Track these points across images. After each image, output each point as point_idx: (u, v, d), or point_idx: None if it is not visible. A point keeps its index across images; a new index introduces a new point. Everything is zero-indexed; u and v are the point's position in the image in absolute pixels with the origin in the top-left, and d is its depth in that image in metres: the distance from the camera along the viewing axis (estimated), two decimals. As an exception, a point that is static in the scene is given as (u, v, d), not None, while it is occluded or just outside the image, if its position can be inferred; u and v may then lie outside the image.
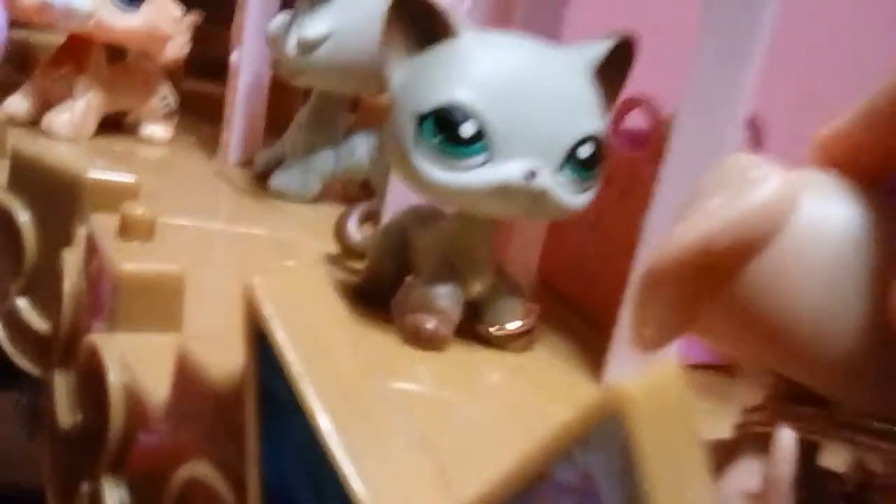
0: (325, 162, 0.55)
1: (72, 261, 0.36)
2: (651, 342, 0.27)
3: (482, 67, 0.35)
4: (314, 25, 0.50)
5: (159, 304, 0.31)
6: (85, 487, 0.32)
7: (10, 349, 0.41)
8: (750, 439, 0.27)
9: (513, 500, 0.18)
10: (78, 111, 0.57)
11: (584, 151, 0.36)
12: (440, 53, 0.36)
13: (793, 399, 0.26)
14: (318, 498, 0.21)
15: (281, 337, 0.21)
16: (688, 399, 0.17)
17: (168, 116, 0.63)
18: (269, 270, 0.22)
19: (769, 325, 0.24)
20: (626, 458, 0.16)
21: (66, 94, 0.57)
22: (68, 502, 0.33)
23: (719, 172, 0.26)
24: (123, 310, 0.31)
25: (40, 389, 0.38)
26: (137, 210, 0.33)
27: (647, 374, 0.17)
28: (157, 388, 0.28)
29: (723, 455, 0.26)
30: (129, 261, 0.31)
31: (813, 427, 0.25)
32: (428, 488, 0.22)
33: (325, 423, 0.20)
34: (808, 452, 0.25)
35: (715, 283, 0.24)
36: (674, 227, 0.26)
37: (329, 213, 0.52)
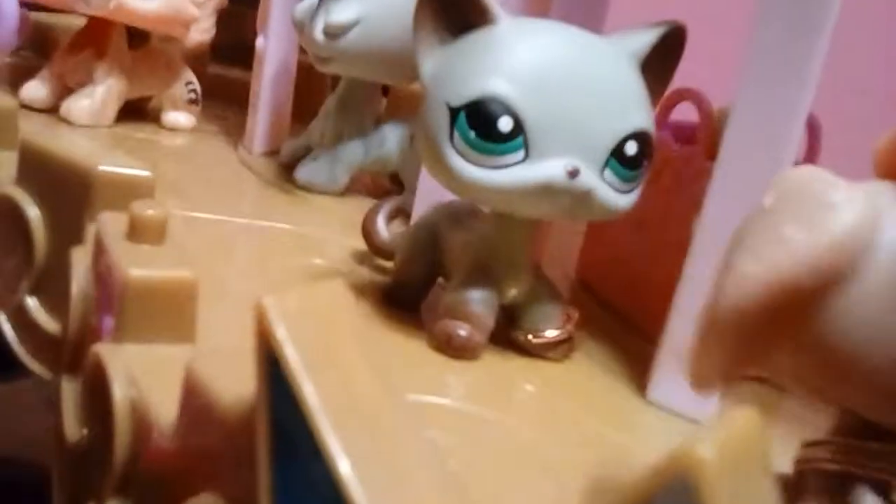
0: (354, 153, 0.52)
1: (81, 260, 0.34)
2: (711, 385, 0.25)
3: (521, 57, 0.32)
4: (342, 10, 0.47)
5: (170, 312, 0.29)
6: (91, 508, 0.29)
7: (19, 351, 0.39)
8: (813, 476, 0.24)
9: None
10: (98, 97, 0.55)
11: (631, 148, 0.33)
12: (475, 42, 0.33)
13: (860, 434, 0.24)
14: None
15: (295, 365, 0.18)
16: (768, 459, 0.14)
17: (192, 103, 0.61)
18: (284, 291, 0.19)
19: (849, 360, 0.22)
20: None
21: (85, 80, 0.55)
22: (75, 522, 0.31)
23: (784, 192, 0.23)
24: (131, 319, 0.28)
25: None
26: (148, 210, 0.30)
27: (723, 427, 0.14)
28: (167, 405, 0.26)
29: (785, 493, 0.24)
30: (137, 266, 0.29)
31: (882, 465, 0.23)
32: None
33: (344, 468, 0.17)
34: (879, 494, 0.23)
35: (792, 320, 0.22)
36: (736, 258, 0.23)
37: (357, 206, 0.49)
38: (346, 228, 0.46)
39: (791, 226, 0.22)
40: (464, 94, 0.32)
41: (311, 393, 0.18)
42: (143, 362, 0.28)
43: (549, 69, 0.32)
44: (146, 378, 0.27)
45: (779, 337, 0.22)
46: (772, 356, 0.22)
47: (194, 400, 0.23)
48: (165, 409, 0.26)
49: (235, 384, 0.22)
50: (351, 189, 0.54)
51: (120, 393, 0.27)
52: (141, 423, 0.27)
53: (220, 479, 0.23)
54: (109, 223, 0.31)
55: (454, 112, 0.32)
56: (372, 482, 0.18)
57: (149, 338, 0.29)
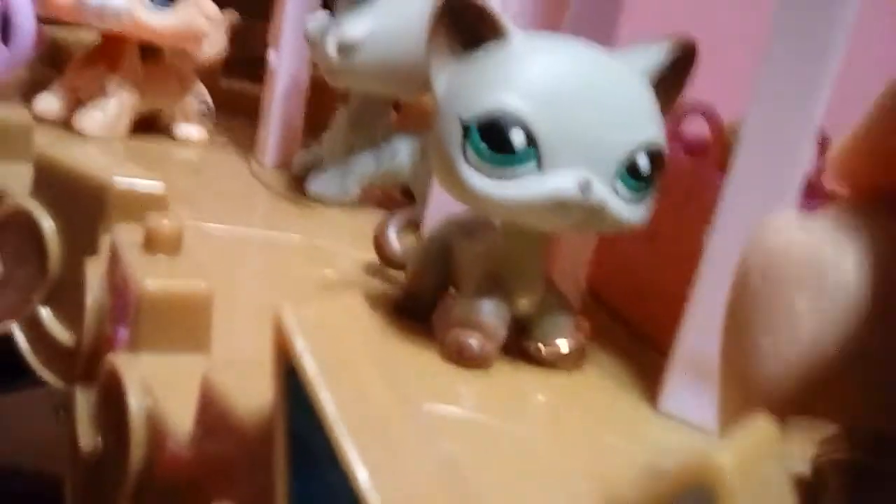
0: (365, 165, 0.53)
1: (95, 271, 0.34)
2: None
3: (533, 72, 0.33)
4: (354, 26, 0.47)
5: (185, 323, 0.29)
6: (105, 518, 0.30)
7: (32, 360, 0.39)
8: (831, 469, 0.24)
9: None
10: (110, 110, 0.55)
11: (643, 162, 0.33)
12: (488, 57, 0.33)
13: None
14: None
15: (313, 375, 0.19)
16: (785, 468, 0.15)
17: (204, 117, 0.62)
18: (301, 301, 0.20)
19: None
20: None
21: (98, 93, 0.56)
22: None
23: (777, 260, 0.23)
24: (146, 329, 0.29)
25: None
26: (163, 222, 0.30)
27: (740, 437, 0.14)
28: (182, 414, 0.26)
29: (805, 494, 0.24)
30: (153, 277, 0.29)
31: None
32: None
33: (362, 477, 0.18)
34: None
35: (832, 375, 0.22)
36: (751, 336, 0.23)
37: (368, 218, 0.50)
38: (358, 240, 0.46)
39: (801, 302, 0.22)
40: (477, 108, 0.32)
41: (328, 402, 0.19)
42: (159, 372, 0.28)
43: (561, 84, 0.32)
44: (161, 388, 0.27)
45: (818, 391, 0.22)
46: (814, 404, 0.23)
47: (211, 410, 0.24)
48: (180, 418, 0.26)
49: (251, 395, 0.22)
50: (362, 201, 0.54)
51: (135, 402, 0.27)
52: (156, 432, 0.27)
53: (236, 489, 0.23)
54: (125, 234, 0.31)
55: (467, 126, 0.32)
56: (389, 492, 0.18)
57: (164, 348, 0.29)
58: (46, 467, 0.69)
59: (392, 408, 0.21)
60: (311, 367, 0.19)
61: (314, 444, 0.19)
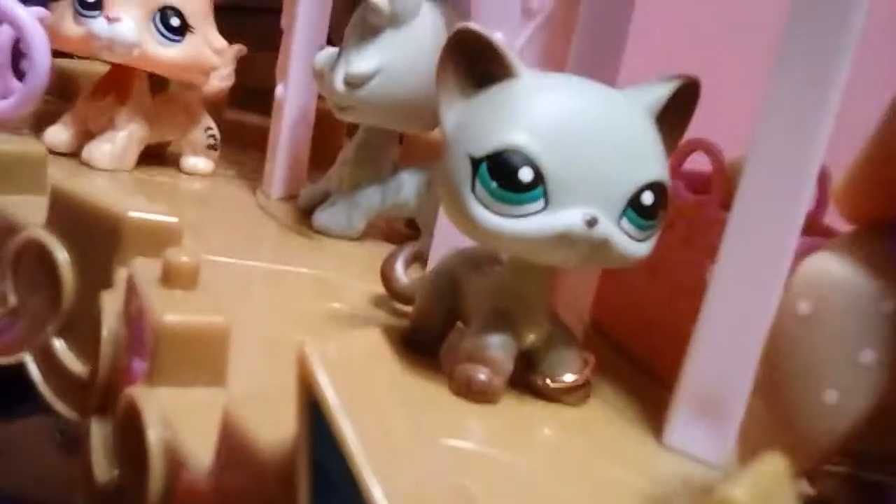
0: (371, 199, 0.53)
1: (111, 304, 0.35)
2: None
3: (541, 110, 0.33)
4: (362, 60, 0.48)
5: (203, 357, 0.30)
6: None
7: (45, 391, 0.40)
8: (838, 484, 0.25)
9: None
10: (119, 142, 0.56)
11: (647, 198, 0.34)
12: (497, 95, 0.34)
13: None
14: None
15: (336, 408, 0.19)
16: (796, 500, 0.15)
17: (211, 148, 0.62)
18: (312, 336, 0.20)
19: None
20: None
21: (107, 125, 0.57)
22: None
23: (825, 301, 0.23)
24: (164, 363, 0.29)
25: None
26: (181, 257, 0.31)
27: (753, 474, 0.15)
28: (200, 447, 0.26)
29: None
30: (172, 311, 0.29)
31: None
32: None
33: (385, 508, 0.18)
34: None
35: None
36: (809, 386, 0.23)
37: (373, 251, 0.50)
38: (364, 273, 0.47)
39: (828, 395, 0.22)
40: (486, 145, 0.33)
41: (351, 435, 0.19)
42: (176, 405, 0.29)
43: (568, 122, 0.33)
44: (179, 421, 0.28)
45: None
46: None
47: (231, 443, 0.24)
48: (198, 451, 0.27)
49: (272, 428, 0.23)
50: (367, 234, 0.54)
51: (154, 435, 0.27)
52: (174, 464, 0.27)
53: (257, 522, 0.23)
54: (143, 269, 0.32)
55: (476, 163, 0.33)
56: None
57: (181, 381, 0.30)
58: (49, 498, 0.69)
59: (411, 440, 0.21)
60: (333, 400, 0.20)
61: (337, 476, 0.20)
